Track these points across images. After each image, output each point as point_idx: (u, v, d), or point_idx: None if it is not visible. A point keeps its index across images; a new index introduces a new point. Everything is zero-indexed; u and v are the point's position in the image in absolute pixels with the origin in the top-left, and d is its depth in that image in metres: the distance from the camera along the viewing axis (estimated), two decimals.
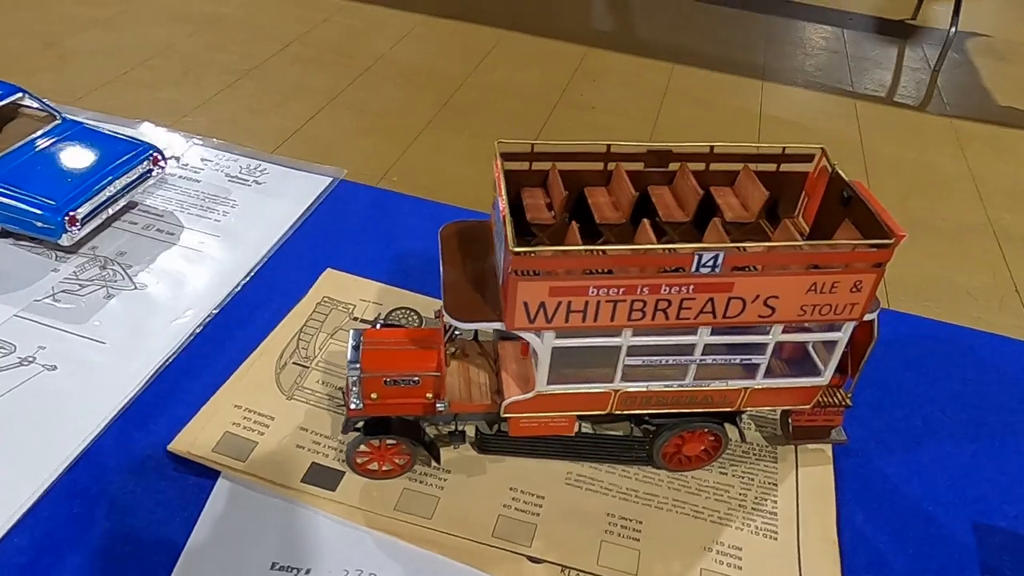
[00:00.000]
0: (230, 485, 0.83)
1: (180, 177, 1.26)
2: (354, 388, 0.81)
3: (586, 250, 0.68)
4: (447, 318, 0.75)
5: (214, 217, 1.18)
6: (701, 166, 0.85)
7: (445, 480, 0.86)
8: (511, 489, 0.86)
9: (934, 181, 2.79)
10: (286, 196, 1.24)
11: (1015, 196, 2.75)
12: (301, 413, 0.91)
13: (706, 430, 0.87)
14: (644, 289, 0.71)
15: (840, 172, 0.81)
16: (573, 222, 0.79)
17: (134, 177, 1.13)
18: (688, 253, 0.69)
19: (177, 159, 1.29)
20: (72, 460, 0.84)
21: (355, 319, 1.04)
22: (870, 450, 0.95)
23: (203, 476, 0.84)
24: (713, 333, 0.77)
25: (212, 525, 0.80)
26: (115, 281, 1.06)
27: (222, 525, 0.80)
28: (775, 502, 0.87)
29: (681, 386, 0.81)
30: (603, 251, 0.68)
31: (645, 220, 0.76)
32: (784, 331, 0.78)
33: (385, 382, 0.81)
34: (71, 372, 0.93)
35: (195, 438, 0.86)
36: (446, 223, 0.85)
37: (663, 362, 0.79)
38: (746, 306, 0.74)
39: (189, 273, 1.08)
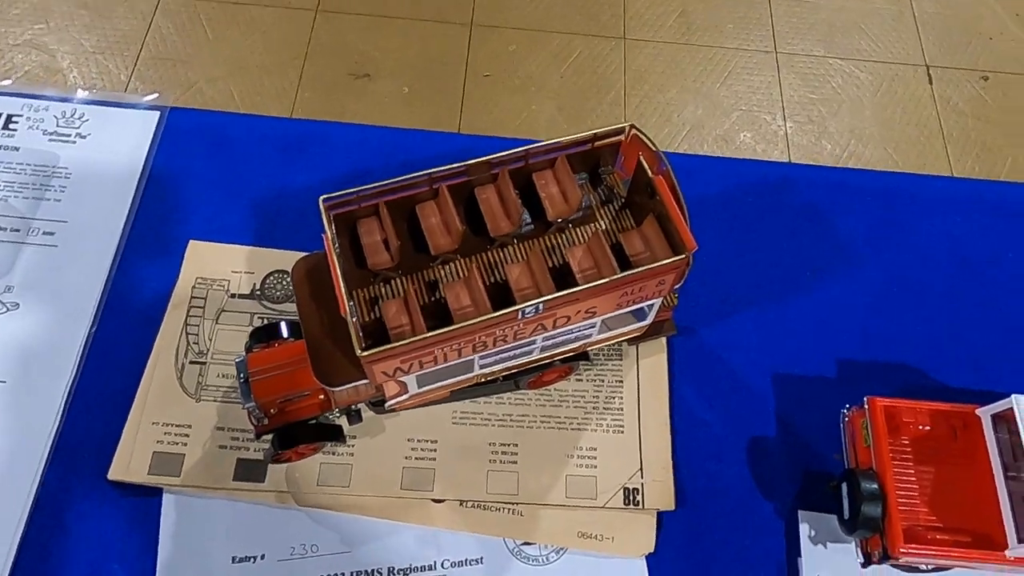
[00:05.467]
0: (175, 498, 0.99)
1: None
2: (253, 414, 0.93)
3: (421, 339, 0.76)
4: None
5: (52, 196, 1.14)
6: (521, 163, 0.88)
7: (354, 447, 1.03)
8: (409, 440, 1.04)
9: None
10: (117, 149, 1.17)
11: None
12: (214, 413, 1.03)
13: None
14: (481, 337, 0.81)
15: (644, 163, 0.86)
16: (411, 287, 0.84)
17: None
18: (513, 313, 0.79)
19: None
20: (23, 516, 0.96)
21: (233, 296, 1.10)
22: (695, 324, 1.13)
23: (151, 494, 0.99)
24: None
25: (172, 538, 0.97)
26: None
27: (180, 535, 0.97)
28: (621, 398, 1.08)
29: (532, 358, 0.95)
30: (437, 335, 0.77)
31: (472, 264, 0.83)
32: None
33: (280, 402, 0.94)
34: None
35: (128, 464, 0.99)
36: (298, 260, 0.89)
37: (512, 355, 0.92)
38: (570, 319, 0.85)
39: (53, 280, 1.08)
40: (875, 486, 0.92)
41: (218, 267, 1.11)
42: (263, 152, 1.19)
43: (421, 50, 2.85)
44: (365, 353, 0.75)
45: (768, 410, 1.08)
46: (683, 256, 0.81)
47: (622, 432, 1.06)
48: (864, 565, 0.96)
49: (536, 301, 0.78)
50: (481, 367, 0.92)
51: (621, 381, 1.09)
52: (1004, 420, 0.94)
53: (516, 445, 1.04)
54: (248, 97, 2.71)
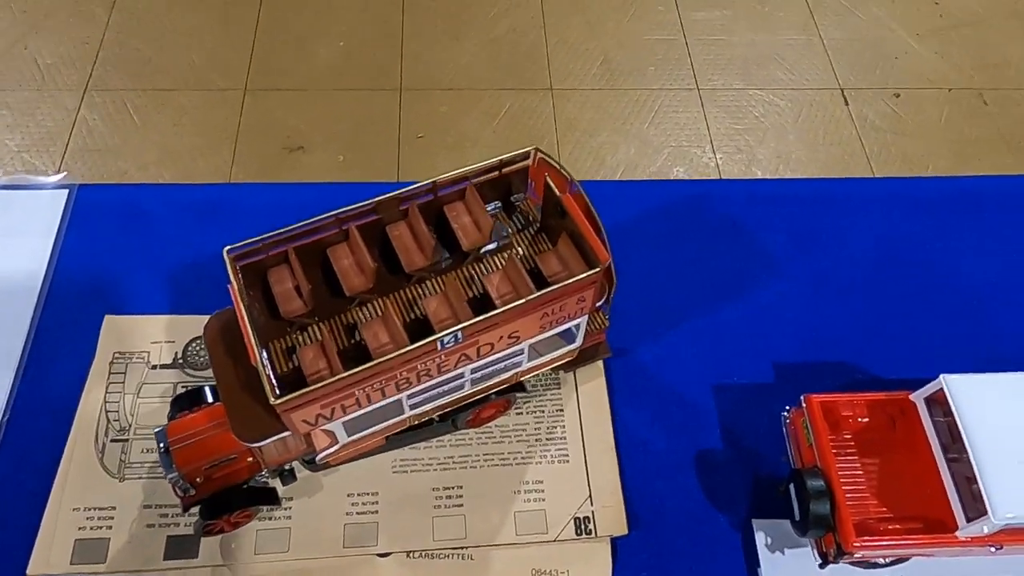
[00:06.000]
0: None
1: None
2: (178, 485, 0.89)
3: (336, 380, 0.74)
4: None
5: None
6: (430, 197, 0.88)
7: (291, 509, 0.99)
8: (349, 495, 1.00)
9: None
10: (25, 231, 1.15)
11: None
12: (139, 491, 0.98)
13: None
14: (402, 373, 0.79)
15: (551, 184, 0.87)
16: (320, 323, 0.83)
17: None
18: (432, 344, 0.77)
19: None
20: None
21: (154, 367, 1.06)
22: (631, 346, 1.13)
23: None
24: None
25: None
26: None
27: None
28: (564, 427, 1.06)
29: (463, 393, 0.93)
30: (351, 374, 0.74)
31: (388, 302, 0.82)
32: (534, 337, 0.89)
33: (205, 468, 0.90)
34: None
35: (48, 556, 0.93)
36: (210, 318, 0.87)
37: (442, 391, 0.90)
38: (494, 346, 0.84)
39: None
40: (821, 483, 0.90)
41: (137, 339, 1.08)
42: (178, 220, 1.17)
43: (353, 119, 2.88)
44: (279, 401, 0.73)
45: (711, 422, 1.07)
46: (596, 270, 0.81)
47: (567, 461, 1.03)
48: (822, 565, 0.94)
49: (454, 329, 0.77)
50: (411, 407, 0.89)
51: (562, 410, 1.07)
52: (937, 403, 0.95)
53: (460, 487, 1.01)
54: (181, 180, 2.70)
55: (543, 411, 1.07)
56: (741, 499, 1.02)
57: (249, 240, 0.81)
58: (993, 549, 0.88)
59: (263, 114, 2.98)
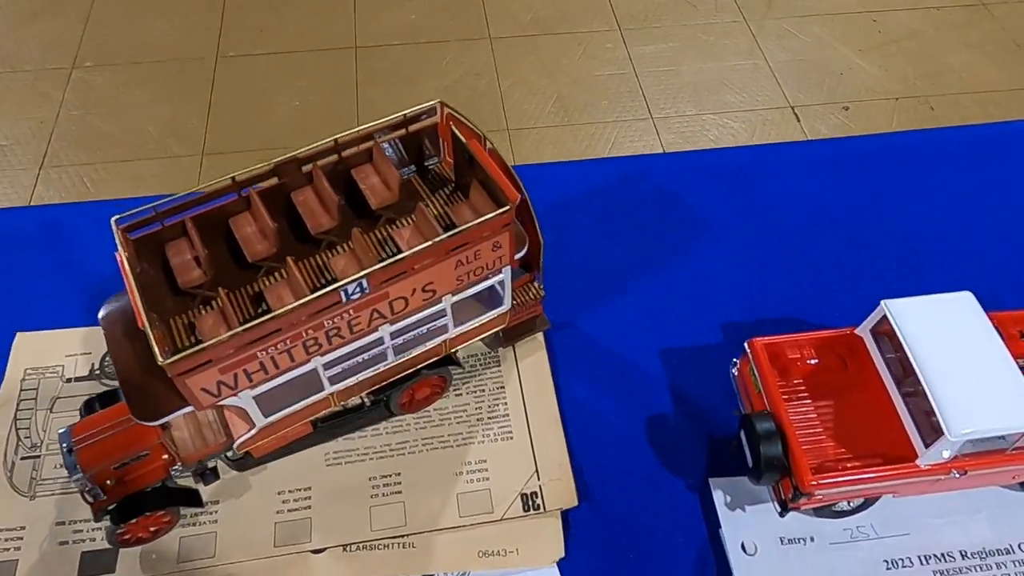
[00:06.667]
0: None
1: None
2: (86, 487, 0.83)
3: (229, 336, 0.69)
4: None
5: None
6: (335, 157, 0.85)
7: (217, 512, 0.92)
8: (279, 493, 0.94)
9: None
10: None
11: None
12: (52, 508, 0.91)
13: (429, 376, 0.96)
14: (309, 331, 0.75)
15: (456, 132, 0.84)
16: (221, 290, 0.79)
17: None
18: (335, 293, 0.73)
19: None
20: None
21: (69, 380, 1.01)
22: (573, 318, 1.09)
23: None
24: (394, 323, 0.83)
25: None
26: None
27: None
28: (506, 404, 1.01)
29: (387, 365, 0.88)
30: (246, 328, 0.70)
31: (290, 259, 0.78)
32: (456, 294, 0.85)
33: (115, 468, 0.83)
34: None
35: None
36: (107, 301, 0.82)
37: (362, 359, 0.85)
38: (408, 301, 0.80)
39: None
40: (770, 424, 0.85)
41: (50, 355, 1.02)
42: (95, 234, 1.13)
43: None
44: (168, 361, 0.68)
45: (661, 387, 1.02)
46: (506, 208, 0.77)
47: (511, 438, 0.98)
48: (782, 513, 0.88)
49: (357, 276, 0.73)
50: (331, 380, 0.84)
51: (503, 387, 1.02)
52: (885, 336, 0.91)
53: (399, 475, 0.95)
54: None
55: (483, 390, 1.01)
56: (697, 461, 0.96)
57: (140, 208, 0.77)
58: (957, 475, 0.83)
59: (221, 174, 2.99)
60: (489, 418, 0.99)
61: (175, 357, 0.68)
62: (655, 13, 3.39)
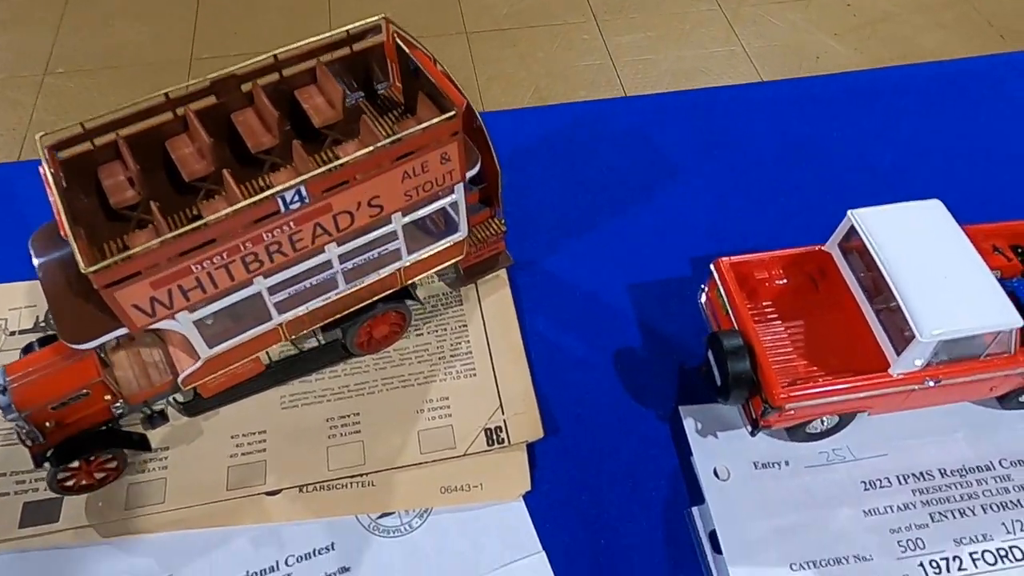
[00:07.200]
0: None
1: None
2: (23, 428, 0.79)
3: (158, 243, 0.66)
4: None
5: None
6: (275, 76, 0.82)
7: (167, 458, 0.88)
8: (233, 437, 0.90)
9: None
10: None
11: None
12: None
13: (387, 312, 0.93)
14: (247, 245, 0.71)
15: (400, 43, 0.82)
16: (153, 203, 0.75)
17: None
18: (271, 201, 0.70)
19: None
20: None
21: (12, 334, 0.97)
22: (538, 257, 1.06)
23: None
24: (342, 244, 0.80)
25: None
26: None
27: None
28: (468, 342, 0.97)
29: (339, 293, 0.85)
30: (176, 235, 0.66)
31: (226, 172, 0.75)
32: (407, 214, 0.82)
33: (53, 408, 0.79)
34: None
35: None
36: (36, 231, 0.79)
37: (310, 284, 0.81)
38: (354, 216, 0.77)
39: None
40: (737, 340, 0.82)
41: None
42: (35, 188, 1.09)
43: None
44: (94, 268, 0.64)
45: (630, 321, 0.99)
46: (451, 113, 0.74)
47: (474, 375, 0.94)
48: (753, 432, 0.84)
49: (294, 182, 0.69)
50: (279, 307, 0.80)
51: (465, 326, 0.98)
52: (855, 251, 0.88)
53: (357, 415, 0.91)
54: None
55: (445, 329, 0.98)
56: (667, 392, 0.93)
57: (68, 125, 0.74)
58: (932, 383, 0.80)
59: None
60: (451, 356, 0.96)
61: (101, 264, 0.64)
62: (632, 3, 3.39)
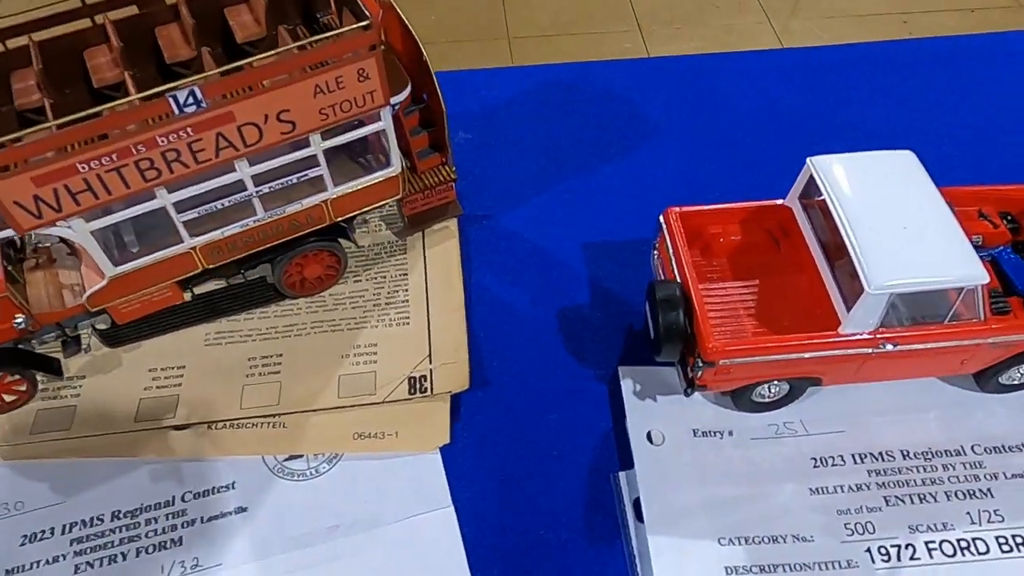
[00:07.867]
0: None
1: None
2: None
3: (36, 129, 0.63)
4: None
5: None
6: None
7: (81, 386, 0.85)
8: (150, 370, 0.86)
9: None
10: None
11: None
12: None
13: (317, 251, 0.88)
14: (140, 148, 0.68)
15: None
16: (47, 101, 0.72)
17: None
18: (162, 100, 0.66)
19: None
20: None
21: None
22: (495, 212, 1.00)
23: None
24: (255, 163, 0.76)
25: None
26: None
27: None
28: (407, 291, 0.92)
29: (258, 221, 0.81)
30: (58, 123, 0.64)
31: (128, 75, 0.72)
32: (327, 137, 0.78)
33: None
34: None
35: None
36: None
37: (223, 206, 0.78)
38: (263, 130, 0.73)
39: None
40: (671, 290, 0.75)
41: None
42: None
43: None
44: None
45: (581, 280, 0.93)
46: (366, 23, 0.70)
47: (407, 324, 0.89)
48: (687, 392, 0.76)
49: (189, 80, 0.66)
50: (189, 228, 0.77)
51: (406, 274, 0.93)
52: (816, 207, 0.80)
53: (280, 356, 0.87)
54: None
55: (385, 276, 0.93)
56: (611, 352, 0.86)
57: None
58: (890, 347, 0.71)
59: None
60: (387, 304, 0.91)
61: None
62: (680, 14, 3.33)
